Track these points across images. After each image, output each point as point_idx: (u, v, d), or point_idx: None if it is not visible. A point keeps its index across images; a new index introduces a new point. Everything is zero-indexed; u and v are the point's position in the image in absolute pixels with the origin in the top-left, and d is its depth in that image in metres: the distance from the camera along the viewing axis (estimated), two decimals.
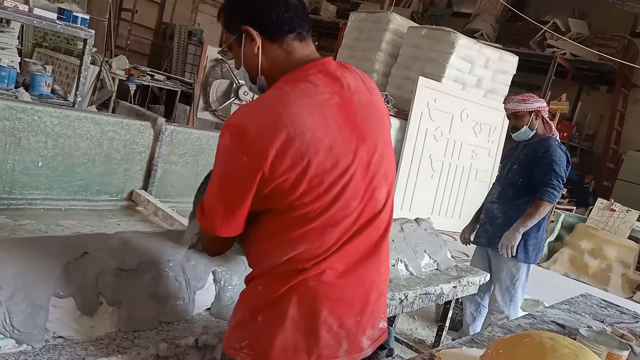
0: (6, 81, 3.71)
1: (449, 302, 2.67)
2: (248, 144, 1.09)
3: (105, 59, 7.17)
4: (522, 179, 3.01)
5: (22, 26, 5.27)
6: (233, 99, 5.25)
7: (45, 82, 3.67)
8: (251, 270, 1.26)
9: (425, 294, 2.27)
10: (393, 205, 1.31)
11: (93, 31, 3.85)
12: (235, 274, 1.69)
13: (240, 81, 5.31)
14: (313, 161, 1.11)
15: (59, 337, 1.29)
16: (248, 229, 1.20)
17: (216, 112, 5.36)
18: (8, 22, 4.32)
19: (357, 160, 1.18)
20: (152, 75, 8.48)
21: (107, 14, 8.14)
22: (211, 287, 1.64)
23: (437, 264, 2.57)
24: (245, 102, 5.36)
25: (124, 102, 3.85)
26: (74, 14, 3.69)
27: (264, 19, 1.20)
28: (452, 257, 2.74)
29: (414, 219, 2.71)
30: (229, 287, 1.67)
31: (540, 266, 5.69)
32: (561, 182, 2.90)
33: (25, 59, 4.73)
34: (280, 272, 1.17)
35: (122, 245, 1.49)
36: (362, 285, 1.22)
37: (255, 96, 1.25)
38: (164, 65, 10.60)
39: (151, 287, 1.48)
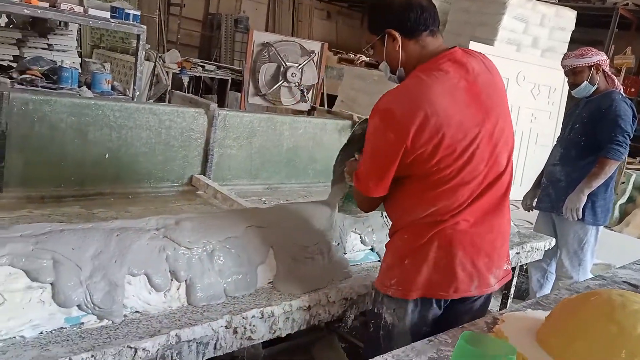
0: (70, 81, 3.93)
1: (513, 270, 2.62)
2: (394, 123, 1.37)
3: (159, 54, 7.41)
4: (585, 137, 2.88)
5: (79, 29, 5.53)
6: (282, 81, 5.30)
7: (106, 79, 3.86)
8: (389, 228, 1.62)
9: None
10: (512, 168, 1.55)
11: (145, 27, 4.00)
12: (291, 251, 1.74)
13: (287, 63, 5.34)
14: (446, 135, 1.37)
15: (136, 312, 1.39)
16: (393, 192, 1.49)
17: (266, 96, 5.43)
18: (66, 24, 4.56)
19: (482, 131, 1.42)
20: (203, 66, 8.68)
21: (157, 10, 8.37)
22: (272, 263, 1.70)
23: None
24: (293, 84, 5.39)
25: (178, 91, 3.98)
26: (126, 11, 3.84)
27: (405, 22, 1.47)
28: (513, 224, 2.68)
29: None
30: (289, 261, 1.72)
31: (611, 230, 5.43)
32: (627, 138, 2.75)
33: (85, 59, 4.97)
34: (422, 224, 1.46)
35: (187, 225, 1.56)
36: (489, 233, 1.48)
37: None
38: (214, 55, 10.81)
39: (216, 264, 1.55)
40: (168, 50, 8.67)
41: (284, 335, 1.59)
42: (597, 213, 2.88)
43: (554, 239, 2.69)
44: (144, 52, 3.86)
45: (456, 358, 0.94)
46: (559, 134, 3.19)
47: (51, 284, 1.26)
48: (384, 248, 1.97)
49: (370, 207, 1.61)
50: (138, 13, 3.94)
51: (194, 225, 1.58)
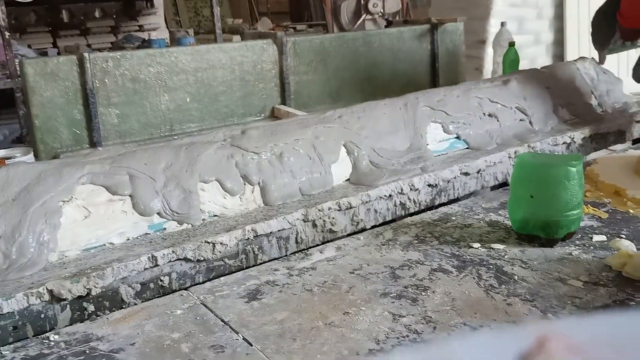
0: None
1: None
2: None
3: (252, 27, 7.62)
4: None
5: (174, 4, 5.81)
6: (364, 15, 5.14)
7: (189, 42, 4.04)
8: None
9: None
10: None
11: None
12: (367, 146, 1.67)
13: None
14: None
15: (215, 215, 1.43)
16: None
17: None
18: (152, 3, 4.83)
19: None
20: (294, 28, 8.73)
21: None
22: (345, 160, 1.65)
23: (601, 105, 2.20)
24: (376, 15, 5.19)
25: (247, 30, 4.03)
26: None
27: None
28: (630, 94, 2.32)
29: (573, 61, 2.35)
30: (365, 155, 1.66)
31: None
32: None
33: (171, 30, 5.25)
34: None
35: (253, 133, 1.57)
36: None
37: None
38: (305, 16, 10.81)
39: (286, 165, 1.54)
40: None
41: (368, 227, 1.55)
42: None
43: None
44: (217, 8, 3.93)
45: (518, 173, 0.83)
46: None
47: (130, 195, 1.34)
48: (471, 134, 1.85)
49: None
50: None
51: (259, 133, 1.58)
